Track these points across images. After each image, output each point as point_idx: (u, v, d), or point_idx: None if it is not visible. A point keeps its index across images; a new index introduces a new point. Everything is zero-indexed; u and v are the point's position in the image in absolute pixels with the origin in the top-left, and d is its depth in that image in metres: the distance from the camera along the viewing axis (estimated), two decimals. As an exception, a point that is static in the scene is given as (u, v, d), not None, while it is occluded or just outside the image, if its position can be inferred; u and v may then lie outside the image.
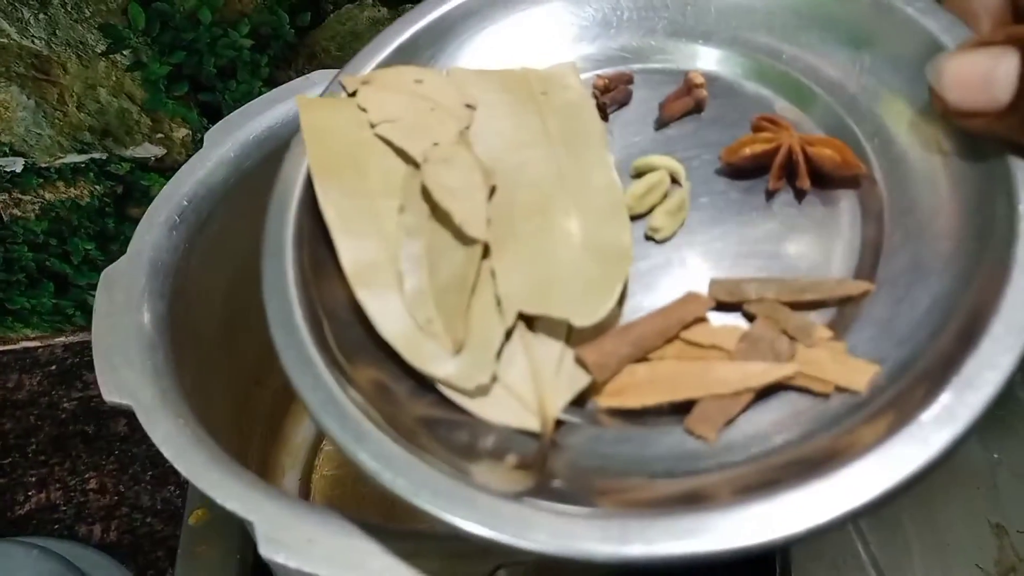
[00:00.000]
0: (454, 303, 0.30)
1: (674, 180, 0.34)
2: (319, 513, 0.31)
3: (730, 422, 0.28)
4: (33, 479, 0.70)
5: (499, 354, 0.29)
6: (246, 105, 0.47)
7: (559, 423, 0.29)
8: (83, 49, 0.59)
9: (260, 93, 0.61)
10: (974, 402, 0.24)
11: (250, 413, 0.49)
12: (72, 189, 0.67)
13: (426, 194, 0.32)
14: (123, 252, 0.67)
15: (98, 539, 0.67)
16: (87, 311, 0.75)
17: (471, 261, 0.31)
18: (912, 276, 0.29)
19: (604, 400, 0.29)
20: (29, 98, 0.60)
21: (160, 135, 0.65)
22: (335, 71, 0.47)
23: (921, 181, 0.31)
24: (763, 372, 0.28)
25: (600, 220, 0.32)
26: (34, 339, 0.77)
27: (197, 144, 0.65)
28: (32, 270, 0.71)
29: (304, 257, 0.31)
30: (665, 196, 0.34)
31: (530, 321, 0.30)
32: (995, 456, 0.56)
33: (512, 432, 0.29)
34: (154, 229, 0.41)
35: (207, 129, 0.63)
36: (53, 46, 0.58)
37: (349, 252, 0.31)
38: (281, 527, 0.30)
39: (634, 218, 0.33)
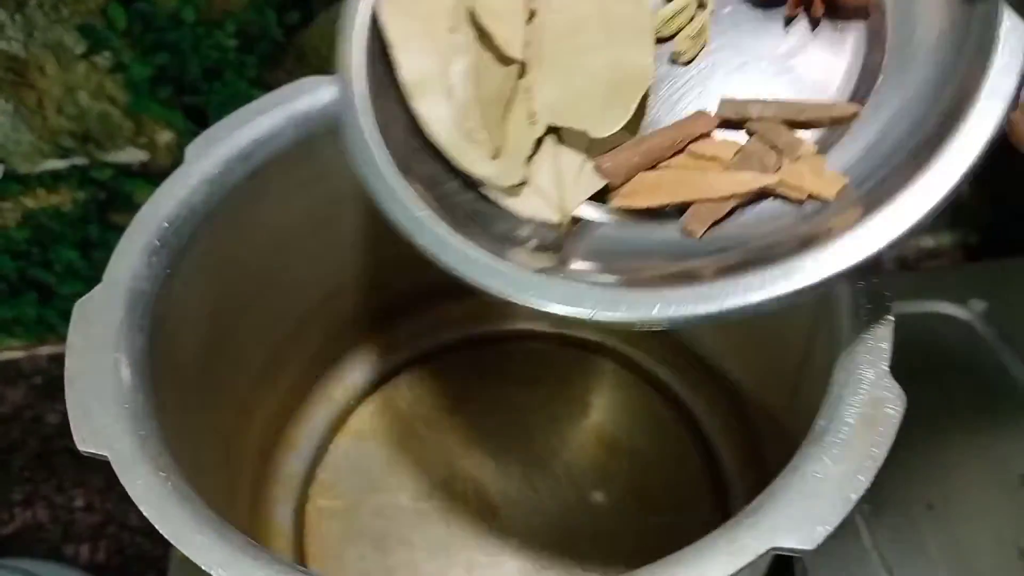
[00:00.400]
0: (494, 115, 0.35)
1: (701, 4, 0.37)
2: (312, 582, 0.29)
3: (718, 222, 0.33)
4: (18, 497, 0.67)
5: (530, 159, 0.35)
6: (229, 116, 0.43)
7: (576, 219, 0.35)
8: (62, 51, 0.56)
9: (248, 94, 0.59)
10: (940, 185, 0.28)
11: (239, 447, 0.47)
12: (54, 196, 0.64)
13: (473, 16, 0.36)
14: (107, 260, 0.64)
15: (86, 560, 0.64)
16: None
17: (509, 78, 0.35)
18: (899, 103, 0.32)
19: (617, 201, 0.35)
20: (7, 102, 0.57)
21: (144, 139, 0.62)
22: (326, 76, 0.45)
23: (922, 13, 0.33)
24: (750, 180, 0.33)
25: (625, 43, 0.36)
26: (17, 349, 0.74)
27: (182, 149, 0.62)
28: (14, 279, 0.68)
29: (372, 74, 0.35)
30: (691, 20, 0.37)
31: (558, 133, 0.36)
32: (1021, 475, 0.54)
33: (538, 224, 0.35)
34: (132, 256, 0.38)
35: (193, 133, 0.61)
36: (30, 48, 0.55)
37: (407, 66, 0.36)
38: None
39: (663, 40, 0.37)
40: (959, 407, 0.56)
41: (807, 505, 0.30)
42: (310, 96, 0.44)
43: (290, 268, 0.48)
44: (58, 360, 0.73)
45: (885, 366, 0.34)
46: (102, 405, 0.33)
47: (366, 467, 0.55)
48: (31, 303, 0.70)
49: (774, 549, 0.29)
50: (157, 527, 0.30)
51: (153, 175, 0.64)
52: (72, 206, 0.64)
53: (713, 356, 0.54)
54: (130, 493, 0.30)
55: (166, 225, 0.39)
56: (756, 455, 0.51)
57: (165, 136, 0.62)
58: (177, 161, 0.62)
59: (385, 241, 0.52)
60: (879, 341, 0.34)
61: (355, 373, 0.59)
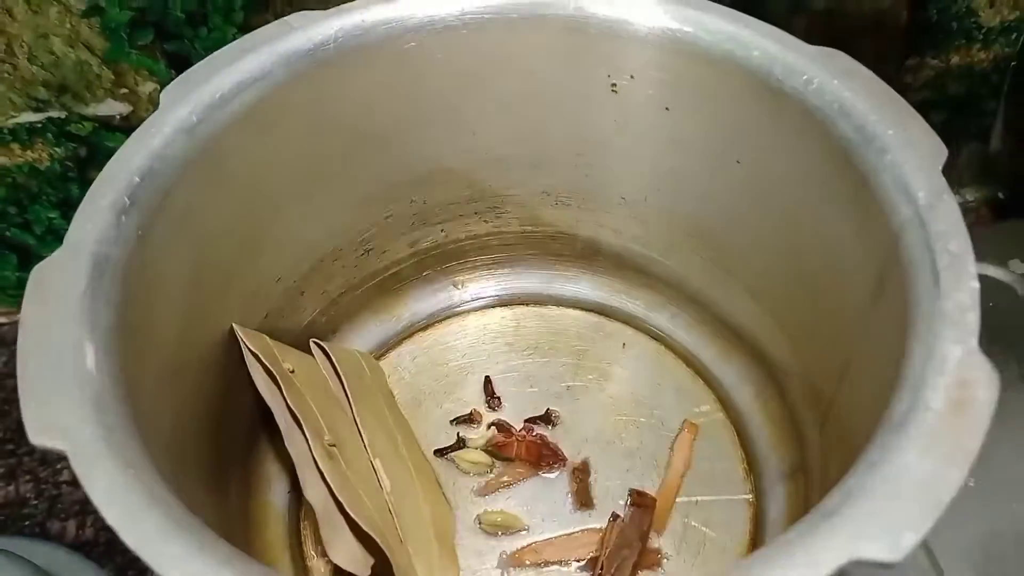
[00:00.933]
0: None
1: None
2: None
3: None
4: (1, 470, 0.64)
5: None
6: (210, 56, 0.39)
7: None
8: (30, -8, 0.51)
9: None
10: None
11: (229, 428, 0.42)
12: (29, 152, 0.60)
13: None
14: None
15: (72, 537, 0.60)
16: (55, 284, 0.68)
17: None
18: None
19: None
20: (-26, 50, 0.53)
21: (124, 90, 0.58)
22: (317, 12, 0.40)
23: None
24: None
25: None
26: None
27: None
28: (-8, 241, 0.64)
29: None
30: None
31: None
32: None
33: None
34: (97, 216, 0.33)
35: (177, 83, 0.57)
36: (-4, -11, 0.51)
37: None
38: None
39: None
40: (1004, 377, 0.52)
41: (893, 508, 0.26)
42: (300, 33, 0.39)
43: (278, 229, 0.44)
44: (41, 327, 0.69)
45: (974, 342, 0.29)
46: (60, 389, 0.28)
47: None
48: (11, 266, 0.66)
49: (856, 561, 0.25)
50: (121, 535, 0.25)
51: (135, 128, 0.59)
52: (50, 163, 0.60)
53: (746, 324, 0.50)
54: (90, 495, 0.26)
55: (137, 180, 0.34)
56: (794, 431, 0.46)
57: (147, 87, 0.58)
58: (159, 112, 0.58)
59: (379, 200, 0.49)
60: (964, 312, 0.30)
61: (354, 344, 0.55)
